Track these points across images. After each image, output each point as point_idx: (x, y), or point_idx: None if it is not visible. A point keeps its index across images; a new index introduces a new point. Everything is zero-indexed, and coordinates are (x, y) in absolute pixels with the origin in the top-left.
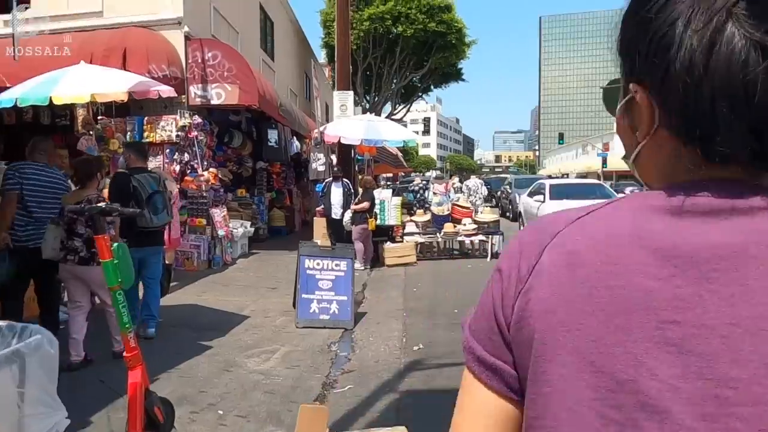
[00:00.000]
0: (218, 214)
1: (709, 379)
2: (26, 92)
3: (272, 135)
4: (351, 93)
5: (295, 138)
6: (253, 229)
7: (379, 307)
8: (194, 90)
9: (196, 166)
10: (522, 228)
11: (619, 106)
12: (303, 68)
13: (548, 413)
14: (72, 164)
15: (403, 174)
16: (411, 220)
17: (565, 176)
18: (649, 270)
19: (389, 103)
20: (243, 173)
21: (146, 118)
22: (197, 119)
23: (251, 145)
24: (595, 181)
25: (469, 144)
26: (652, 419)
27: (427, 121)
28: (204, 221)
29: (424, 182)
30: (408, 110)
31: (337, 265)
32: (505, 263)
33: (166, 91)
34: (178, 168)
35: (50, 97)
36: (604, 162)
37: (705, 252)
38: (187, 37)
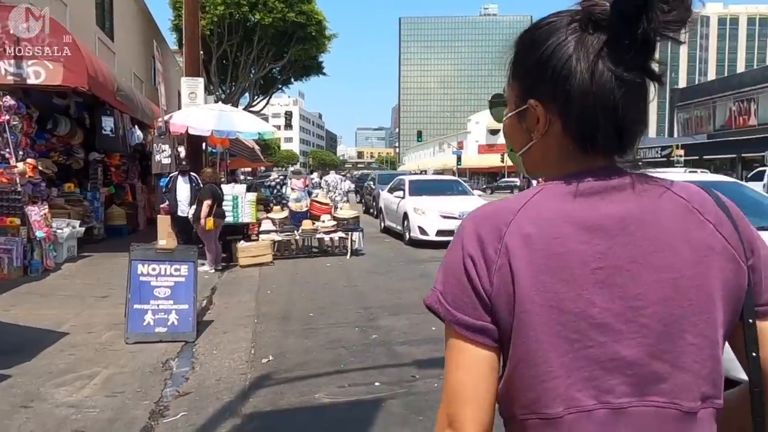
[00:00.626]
0: (36, 212)
1: (624, 298)
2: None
3: (107, 123)
4: (201, 80)
5: (137, 127)
6: (83, 230)
7: (228, 314)
8: (4, 66)
9: (8, 156)
10: (469, 217)
11: (511, 113)
12: (149, 51)
13: (533, 347)
14: None
15: (263, 169)
16: (267, 218)
17: (423, 172)
18: (576, 237)
19: (247, 94)
20: (73, 165)
21: None
22: (9, 101)
23: (83, 134)
24: (452, 177)
25: (331, 140)
26: (598, 331)
27: (289, 115)
28: (17, 221)
29: (281, 177)
30: (267, 102)
31: (176, 269)
32: (472, 250)
33: None
34: None
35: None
36: (459, 159)
37: (606, 220)
38: None
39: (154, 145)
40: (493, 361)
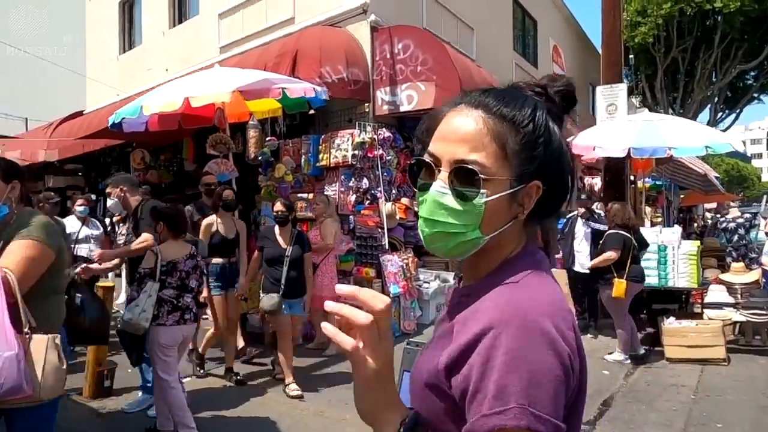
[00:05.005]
0: (394, 262)
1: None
2: (123, 108)
3: None
4: (623, 86)
5: None
6: (453, 283)
7: None
8: (381, 95)
9: (378, 195)
10: (547, 313)
11: (505, 192)
12: (586, 78)
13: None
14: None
15: (730, 204)
16: (720, 280)
17: None
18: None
19: (707, 110)
20: None
21: (323, 137)
22: (385, 133)
23: None
24: None
25: None
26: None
27: None
28: (372, 272)
29: (749, 216)
30: (737, 118)
31: None
32: (569, 360)
33: (297, 90)
34: (353, 198)
35: (141, 107)
36: None
37: None
38: (374, 29)
39: None
40: None
